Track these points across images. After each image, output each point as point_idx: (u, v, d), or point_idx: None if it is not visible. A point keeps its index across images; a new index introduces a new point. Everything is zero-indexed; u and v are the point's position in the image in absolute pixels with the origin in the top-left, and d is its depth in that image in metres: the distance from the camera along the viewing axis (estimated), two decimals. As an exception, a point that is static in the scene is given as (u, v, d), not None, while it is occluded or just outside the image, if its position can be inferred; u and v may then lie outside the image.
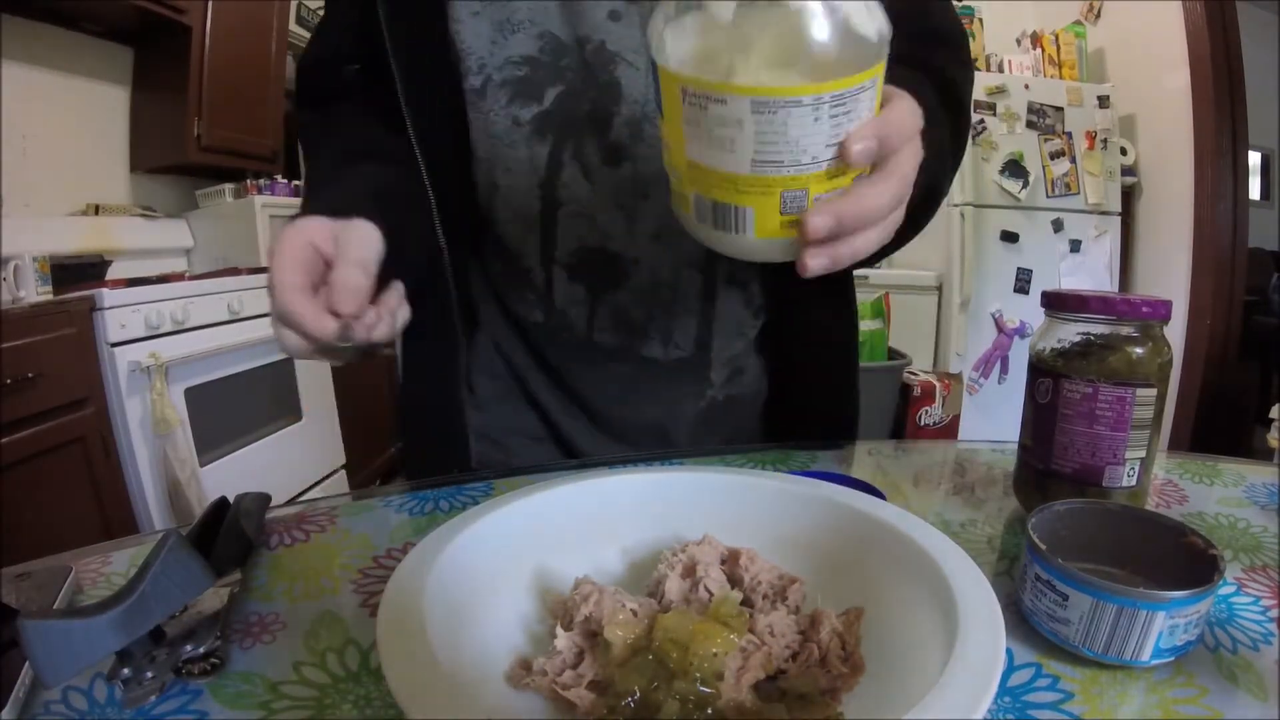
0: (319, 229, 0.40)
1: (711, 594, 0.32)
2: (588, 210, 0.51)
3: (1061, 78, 2.60)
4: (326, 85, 0.57)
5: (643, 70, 0.49)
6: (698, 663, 0.26)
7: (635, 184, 0.50)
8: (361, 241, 0.40)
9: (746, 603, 0.32)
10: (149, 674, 0.28)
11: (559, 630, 0.29)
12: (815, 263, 0.32)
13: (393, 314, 0.41)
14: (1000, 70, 2.63)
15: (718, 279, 0.54)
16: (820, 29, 0.28)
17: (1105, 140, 2.51)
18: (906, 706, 0.22)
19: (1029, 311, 2.54)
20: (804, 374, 0.61)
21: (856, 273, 0.59)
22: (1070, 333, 0.41)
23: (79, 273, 1.82)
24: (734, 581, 0.33)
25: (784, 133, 0.29)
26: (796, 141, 0.29)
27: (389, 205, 0.45)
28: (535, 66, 0.49)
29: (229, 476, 1.81)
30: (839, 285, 0.62)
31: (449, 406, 0.57)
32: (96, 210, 2.05)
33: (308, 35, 2.98)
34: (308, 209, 0.44)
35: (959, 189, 2.39)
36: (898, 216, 0.35)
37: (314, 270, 0.39)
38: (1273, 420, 2.09)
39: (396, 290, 0.42)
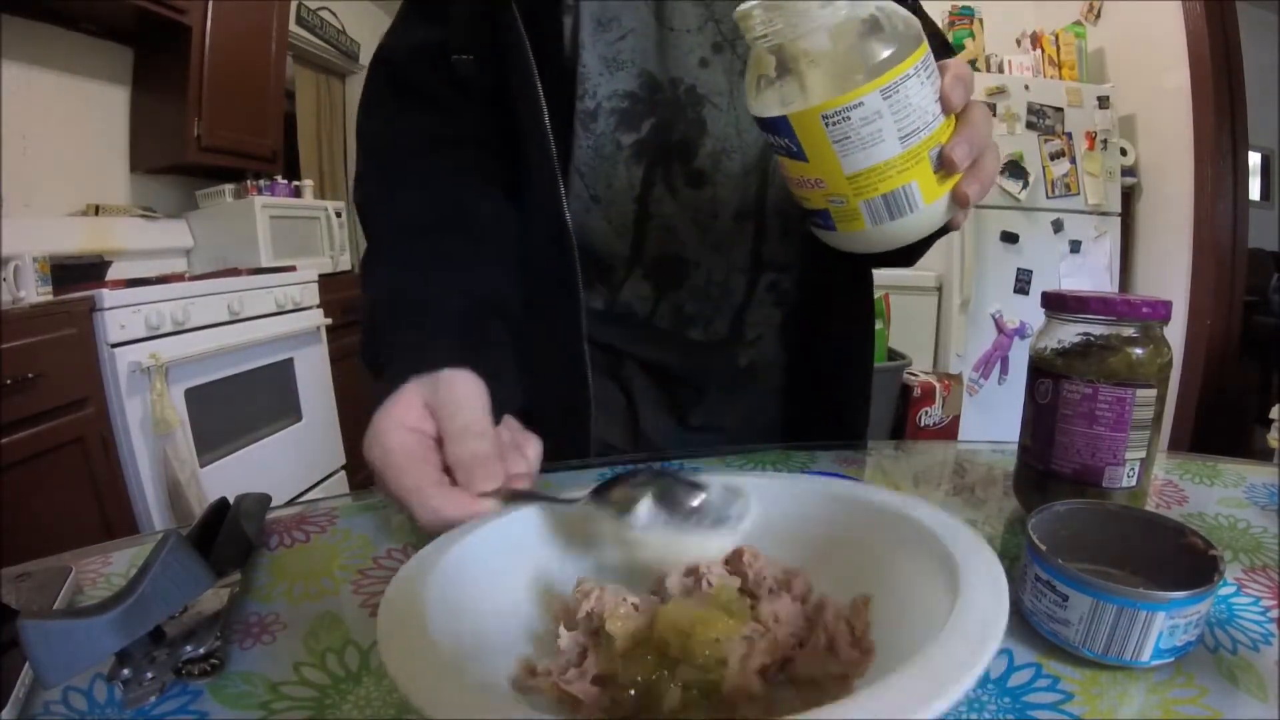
0: (410, 407, 0.38)
1: (714, 589, 0.32)
2: (671, 223, 0.57)
3: (1061, 78, 2.60)
4: (420, 79, 0.57)
5: (724, 109, 0.55)
6: (700, 650, 0.26)
7: (712, 204, 0.57)
8: (464, 402, 0.38)
9: (751, 597, 0.32)
10: (149, 674, 0.28)
11: (562, 630, 0.29)
12: (972, 189, 0.39)
13: (529, 457, 0.39)
14: (1000, 71, 2.63)
15: (759, 283, 0.61)
16: (889, 21, 0.35)
17: (1105, 141, 2.51)
18: (922, 690, 0.21)
19: (1029, 312, 2.54)
20: (824, 371, 0.65)
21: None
22: (1070, 333, 0.41)
23: (79, 273, 1.82)
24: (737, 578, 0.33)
25: (909, 104, 0.36)
26: (919, 107, 0.36)
27: (482, 331, 0.45)
28: (635, 101, 0.55)
29: (229, 476, 1.81)
30: (861, 292, 0.67)
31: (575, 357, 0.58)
32: (96, 210, 2.05)
33: (308, 35, 2.98)
34: (385, 370, 0.41)
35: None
36: (997, 159, 0.42)
37: (430, 455, 0.37)
38: (1273, 420, 2.09)
39: (516, 429, 0.41)
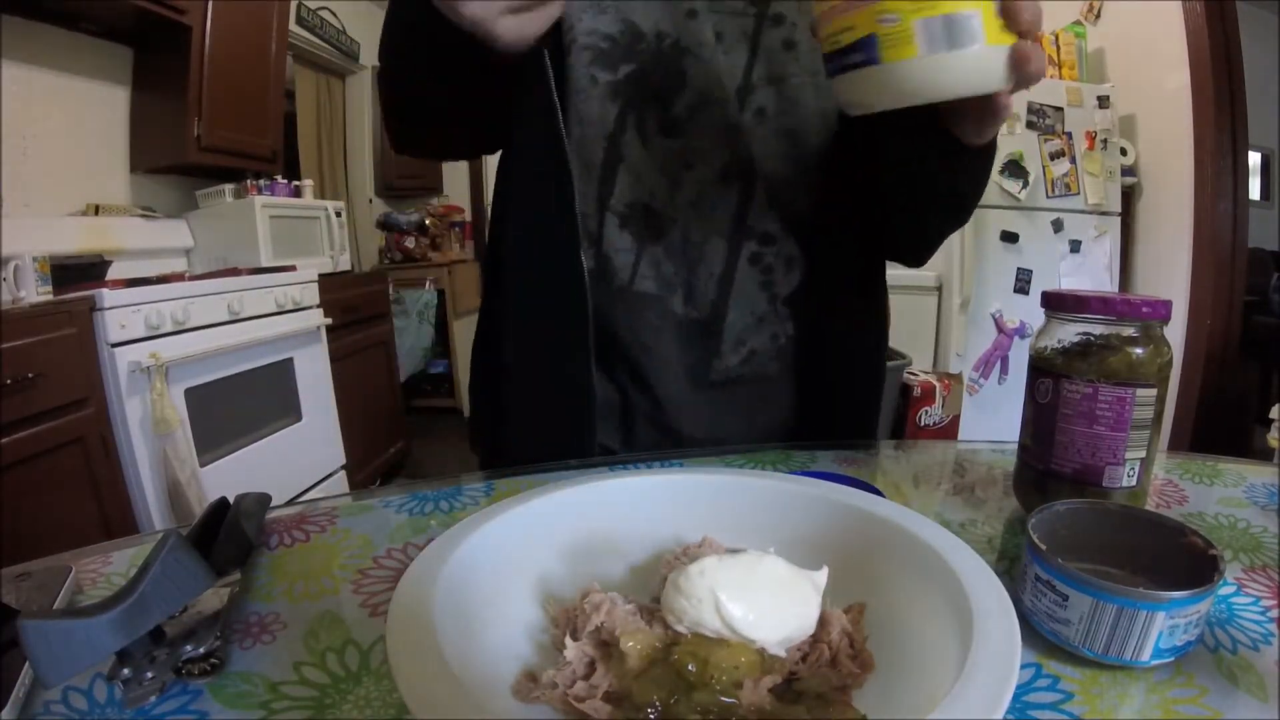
0: None
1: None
2: (638, 169, 0.57)
3: (1061, 78, 2.60)
4: None
5: (706, 60, 0.55)
6: (718, 675, 0.26)
7: (684, 156, 0.57)
8: None
9: None
10: (149, 674, 0.28)
11: (568, 640, 0.29)
12: (1036, 54, 0.36)
13: None
14: (1000, 70, 2.62)
15: (741, 253, 0.59)
16: None
17: (1105, 140, 2.51)
18: (921, 702, 0.22)
19: (1029, 311, 2.54)
20: (835, 376, 0.64)
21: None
22: (1070, 333, 0.42)
23: (79, 273, 1.82)
24: (736, 582, 0.33)
25: None
26: None
27: None
28: (614, 44, 0.55)
29: (229, 476, 1.81)
30: (872, 287, 0.67)
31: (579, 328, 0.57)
32: (96, 210, 2.05)
33: (308, 35, 2.98)
34: None
35: (959, 189, 2.39)
36: (1044, 54, 0.39)
37: None
38: (1273, 420, 2.09)
39: None
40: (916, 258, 0.65)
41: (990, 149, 0.51)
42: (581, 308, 0.56)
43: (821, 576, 0.30)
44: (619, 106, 0.56)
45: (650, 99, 0.56)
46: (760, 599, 0.28)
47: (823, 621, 0.30)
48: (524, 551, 0.35)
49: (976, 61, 0.36)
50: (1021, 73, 0.37)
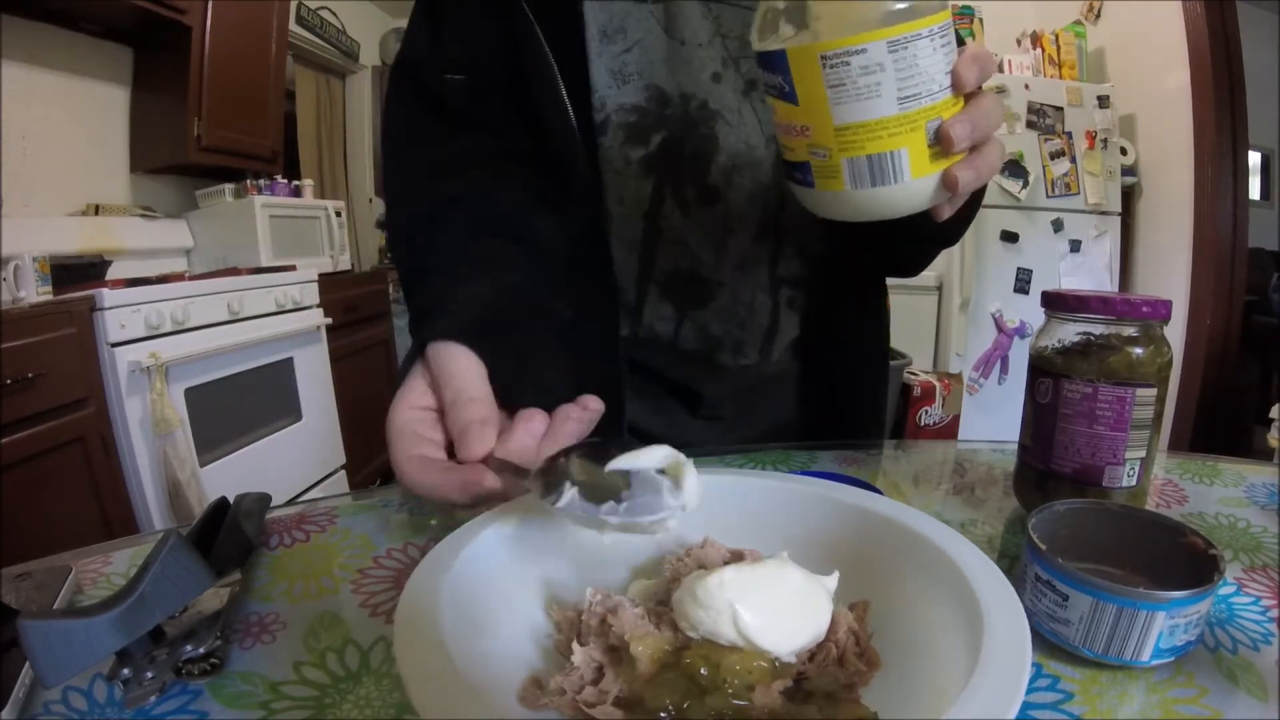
0: (414, 389, 0.40)
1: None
2: (683, 239, 0.57)
3: (1061, 78, 2.60)
4: (451, 95, 0.55)
5: (735, 125, 0.54)
6: (731, 678, 0.26)
7: (725, 220, 0.56)
8: (458, 372, 0.39)
9: None
10: (149, 674, 0.28)
11: (575, 646, 0.29)
12: (965, 175, 0.36)
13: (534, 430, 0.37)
14: (1000, 70, 2.63)
15: (780, 303, 0.60)
16: None
17: (1105, 140, 2.51)
18: (930, 697, 0.22)
19: (1029, 311, 2.55)
20: (842, 378, 0.66)
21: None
22: (1070, 333, 0.42)
23: (79, 273, 1.82)
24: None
25: (915, 65, 0.33)
26: (926, 72, 0.34)
27: (505, 316, 0.45)
28: (643, 115, 0.54)
29: (229, 476, 1.80)
30: (875, 299, 0.68)
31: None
32: (96, 210, 2.05)
33: (308, 35, 2.97)
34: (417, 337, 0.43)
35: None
36: (1000, 154, 0.39)
37: (431, 430, 0.39)
38: (1273, 420, 2.09)
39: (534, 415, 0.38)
40: (912, 274, 0.65)
41: (971, 209, 0.47)
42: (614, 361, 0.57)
43: (832, 581, 0.30)
44: (654, 181, 0.55)
45: (686, 168, 0.55)
46: (777, 610, 0.28)
47: (830, 621, 0.30)
48: (526, 554, 0.34)
49: (903, 193, 0.36)
50: (953, 193, 0.37)
